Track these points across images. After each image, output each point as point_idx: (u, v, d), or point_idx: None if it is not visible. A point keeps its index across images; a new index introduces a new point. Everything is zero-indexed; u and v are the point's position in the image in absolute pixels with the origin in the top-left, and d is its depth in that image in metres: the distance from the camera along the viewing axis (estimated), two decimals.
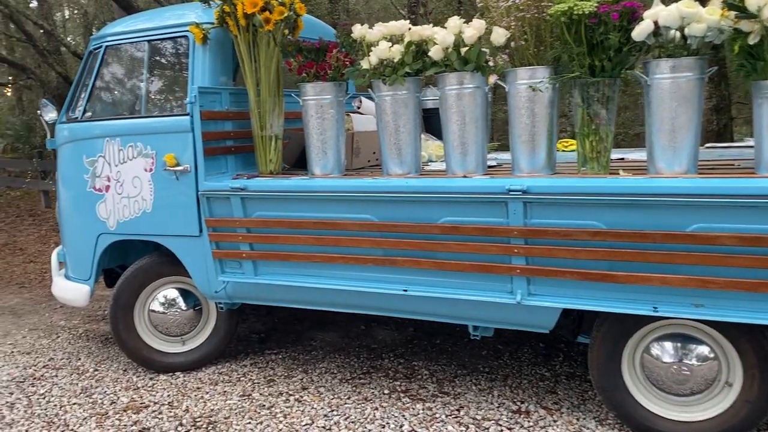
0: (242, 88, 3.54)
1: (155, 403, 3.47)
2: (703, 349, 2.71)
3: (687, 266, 2.47)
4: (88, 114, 3.88)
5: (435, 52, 2.96)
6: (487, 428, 3.02)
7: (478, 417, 3.13)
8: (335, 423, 3.14)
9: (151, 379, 3.80)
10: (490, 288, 2.85)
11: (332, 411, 3.27)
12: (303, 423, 3.16)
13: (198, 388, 3.64)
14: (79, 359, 4.18)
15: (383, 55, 3.06)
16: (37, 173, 11.71)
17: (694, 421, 2.76)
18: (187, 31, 3.49)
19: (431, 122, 4.52)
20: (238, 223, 3.29)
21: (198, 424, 3.21)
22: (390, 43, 3.06)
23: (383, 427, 3.08)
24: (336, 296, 3.22)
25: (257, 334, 4.50)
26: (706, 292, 2.47)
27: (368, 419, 3.17)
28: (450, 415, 3.16)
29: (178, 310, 3.87)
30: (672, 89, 2.60)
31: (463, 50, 2.94)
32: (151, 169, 3.60)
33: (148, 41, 3.67)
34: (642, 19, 2.60)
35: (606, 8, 2.63)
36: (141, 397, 3.56)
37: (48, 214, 10.32)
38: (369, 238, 3.02)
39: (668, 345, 2.76)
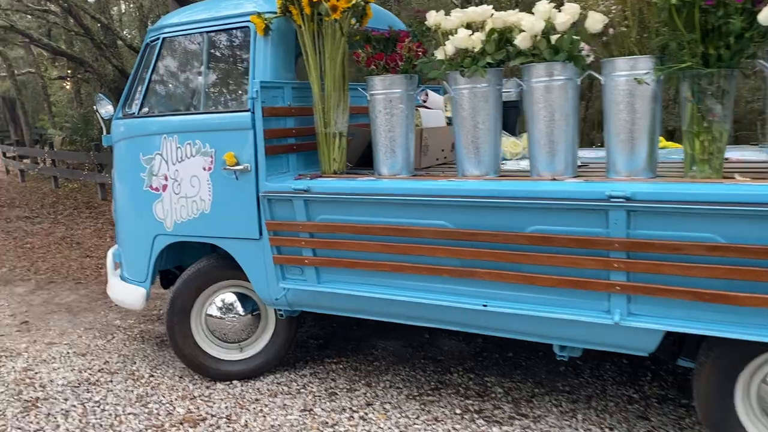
0: (305, 82, 3.30)
1: (212, 415, 3.29)
2: None
3: None
4: (145, 109, 3.71)
5: (522, 41, 2.65)
6: None
7: None
8: None
9: (207, 388, 3.63)
10: (584, 306, 2.54)
11: None
12: None
13: (257, 399, 3.44)
14: (135, 363, 4.05)
15: (462, 44, 2.77)
16: (94, 165, 11.86)
17: None
18: (248, 21, 3.27)
19: (507, 116, 4.22)
20: (300, 227, 3.06)
21: None
22: (470, 31, 2.76)
23: None
24: (406, 308, 2.96)
25: (316, 340, 4.29)
26: None
27: None
28: None
29: (236, 316, 3.68)
30: None
31: (554, 38, 2.63)
32: (209, 168, 3.41)
33: (207, 33, 3.47)
34: None
35: None
36: (198, 408, 3.38)
37: (104, 207, 10.40)
38: (445, 246, 2.74)
39: None
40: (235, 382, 3.66)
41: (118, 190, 3.95)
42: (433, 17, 2.93)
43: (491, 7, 2.78)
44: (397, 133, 3.08)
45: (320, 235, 3.05)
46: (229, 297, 3.71)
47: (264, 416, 3.25)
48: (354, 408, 3.29)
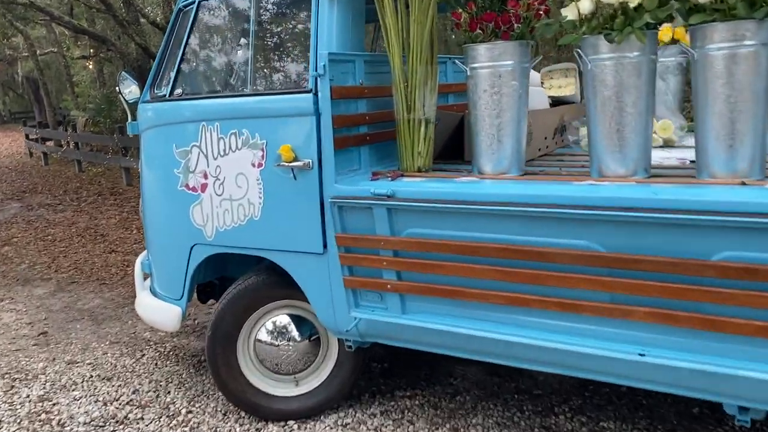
0: (380, 54, 2.58)
1: None
2: None
3: None
4: (178, 91, 3.02)
5: None
6: None
7: None
8: None
9: (258, 430, 2.98)
10: None
11: None
12: None
13: None
14: (169, 392, 3.41)
15: None
16: (119, 149, 11.27)
17: None
18: None
19: None
20: (383, 243, 2.36)
21: None
22: None
23: None
24: (525, 351, 2.25)
25: (379, 363, 3.61)
26: None
27: None
28: None
29: (291, 342, 3.01)
30: None
31: None
32: (260, 165, 2.72)
33: None
34: None
35: None
36: None
37: (129, 193, 9.83)
38: (590, 276, 2.02)
39: None
40: (290, 422, 3.01)
41: (146, 187, 3.29)
42: None
43: None
44: (507, 118, 2.36)
45: (408, 254, 2.35)
46: (283, 319, 3.04)
47: None
48: None
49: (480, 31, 2.29)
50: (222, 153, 2.83)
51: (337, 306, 2.66)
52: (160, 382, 3.55)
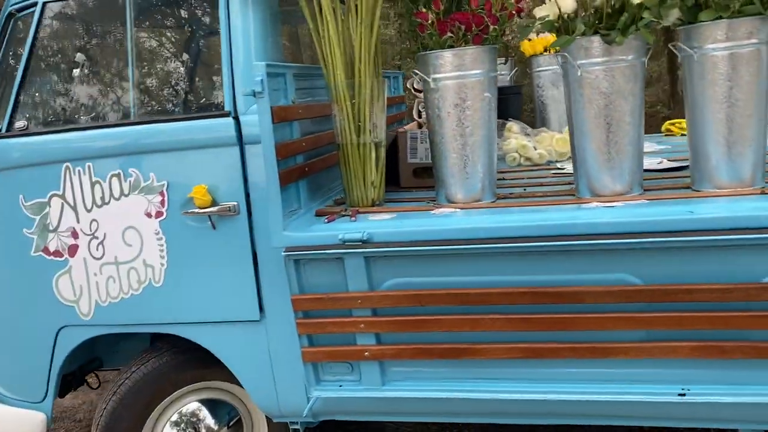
0: (312, 66, 2.10)
1: None
2: None
3: None
4: (20, 124, 2.23)
5: None
6: None
7: None
8: None
9: None
10: None
11: None
12: None
13: None
14: None
15: None
16: None
17: None
18: None
19: (508, 105, 3.29)
20: (360, 300, 1.86)
21: None
22: None
23: None
24: (540, 407, 1.90)
25: None
26: None
27: None
28: None
29: None
30: None
31: None
32: (159, 214, 2.07)
33: None
34: None
35: None
36: None
37: None
38: (626, 313, 1.73)
39: None
40: None
41: None
42: None
43: None
44: (480, 136, 2.00)
45: (392, 312, 1.87)
46: (192, 407, 2.38)
47: None
48: None
49: (451, 35, 1.90)
50: (99, 203, 2.12)
51: (281, 385, 2.11)
52: None
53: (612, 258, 1.72)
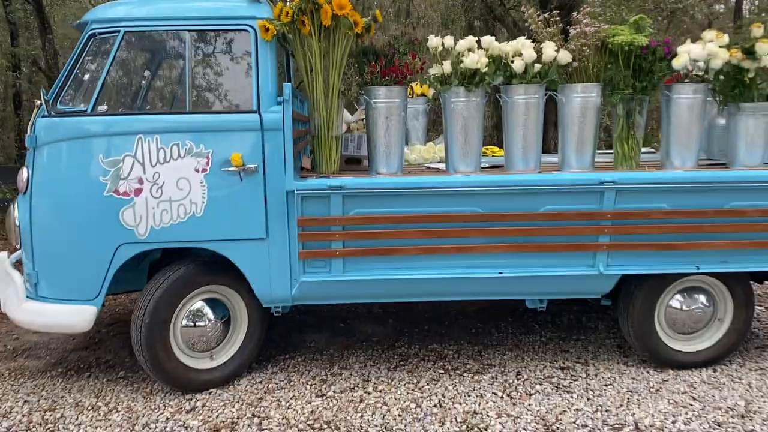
0: (300, 88, 3.52)
1: (234, 419, 3.25)
2: None
3: (720, 233, 3.47)
4: (102, 107, 3.36)
5: (519, 66, 3.46)
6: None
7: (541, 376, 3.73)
8: (438, 401, 3.41)
9: (189, 401, 3.47)
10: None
11: (420, 395, 3.50)
12: (412, 407, 3.36)
13: (260, 399, 3.48)
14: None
15: (471, 65, 3.44)
16: None
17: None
18: (248, 25, 3.35)
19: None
20: (337, 221, 3.32)
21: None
22: (477, 56, 3.45)
23: (481, 396, 3.46)
24: (431, 285, 3.47)
25: None
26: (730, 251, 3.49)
27: (461, 395, 3.50)
28: (526, 380, 3.68)
29: (210, 323, 3.59)
30: (689, 105, 3.57)
31: (537, 67, 3.51)
32: (204, 170, 3.33)
33: (191, 31, 3.37)
34: (675, 54, 3.53)
35: (654, 43, 3.49)
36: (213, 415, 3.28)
37: None
38: (475, 228, 3.38)
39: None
40: (230, 385, 3.59)
41: (46, 194, 3.39)
42: (435, 40, 3.53)
43: (493, 38, 3.53)
44: (396, 136, 3.57)
45: (354, 228, 3.35)
46: (198, 305, 3.60)
47: (287, 407, 3.36)
48: (356, 387, 3.61)
49: (388, 78, 3.47)
50: (162, 161, 3.32)
51: (275, 278, 3.44)
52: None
53: (466, 198, 3.37)
